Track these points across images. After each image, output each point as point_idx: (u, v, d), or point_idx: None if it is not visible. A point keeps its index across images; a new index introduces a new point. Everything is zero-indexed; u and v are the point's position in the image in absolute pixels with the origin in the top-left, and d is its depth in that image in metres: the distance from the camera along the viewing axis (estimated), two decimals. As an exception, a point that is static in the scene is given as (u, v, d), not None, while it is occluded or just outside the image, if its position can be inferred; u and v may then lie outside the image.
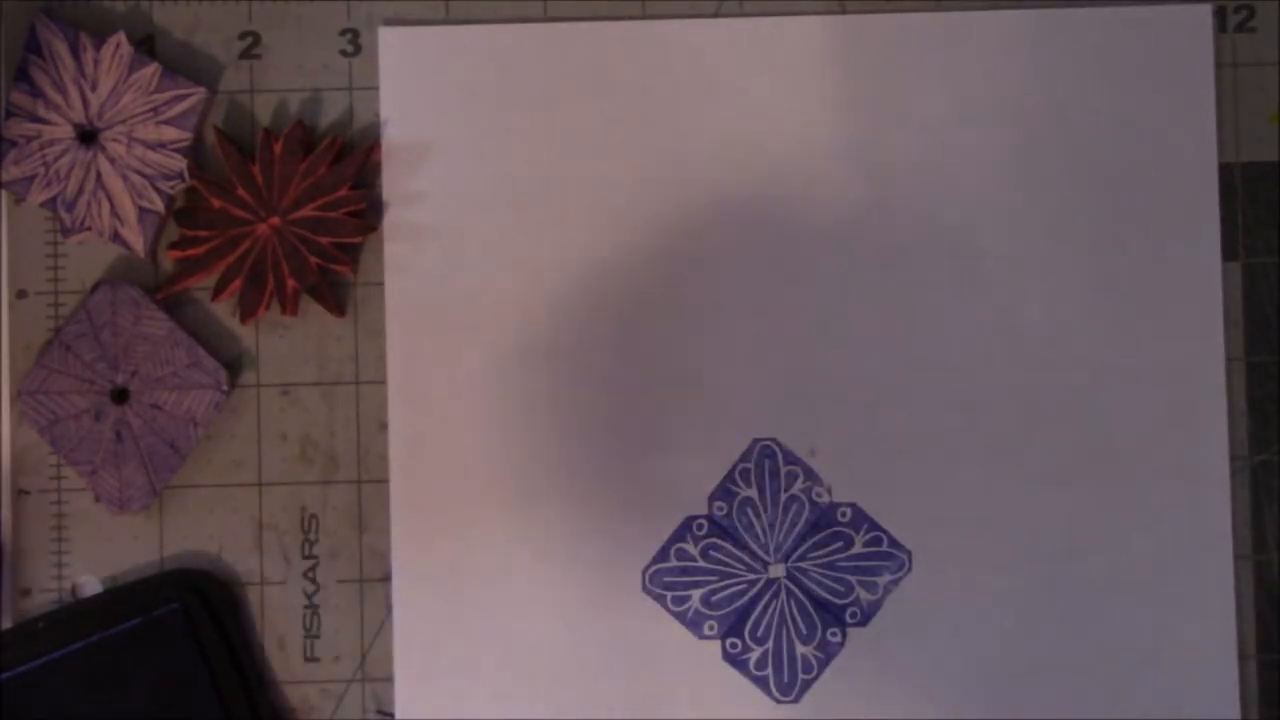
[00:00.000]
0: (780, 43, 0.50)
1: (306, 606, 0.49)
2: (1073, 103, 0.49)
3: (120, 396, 0.49)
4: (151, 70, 0.49)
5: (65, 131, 0.49)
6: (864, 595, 0.49)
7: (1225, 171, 0.50)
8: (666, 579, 0.49)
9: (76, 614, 0.48)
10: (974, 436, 0.49)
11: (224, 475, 0.50)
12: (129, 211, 0.49)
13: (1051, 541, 0.49)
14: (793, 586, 0.49)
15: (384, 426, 0.49)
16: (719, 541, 0.49)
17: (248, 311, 0.49)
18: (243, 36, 0.51)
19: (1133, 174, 0.49)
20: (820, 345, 0.49)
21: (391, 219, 0.50)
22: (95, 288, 0.49)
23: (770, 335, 0.49)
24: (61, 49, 0.49)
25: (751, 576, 0.49)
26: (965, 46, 0.50)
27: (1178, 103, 0.49)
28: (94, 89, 0.49)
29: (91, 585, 0.49)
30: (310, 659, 0.49)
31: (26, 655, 0.47)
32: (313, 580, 0.49)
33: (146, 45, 0.50)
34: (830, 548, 0.49)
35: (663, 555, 0.49)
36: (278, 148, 0.49)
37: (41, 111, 0.49)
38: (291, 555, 0.50)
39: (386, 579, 0.49)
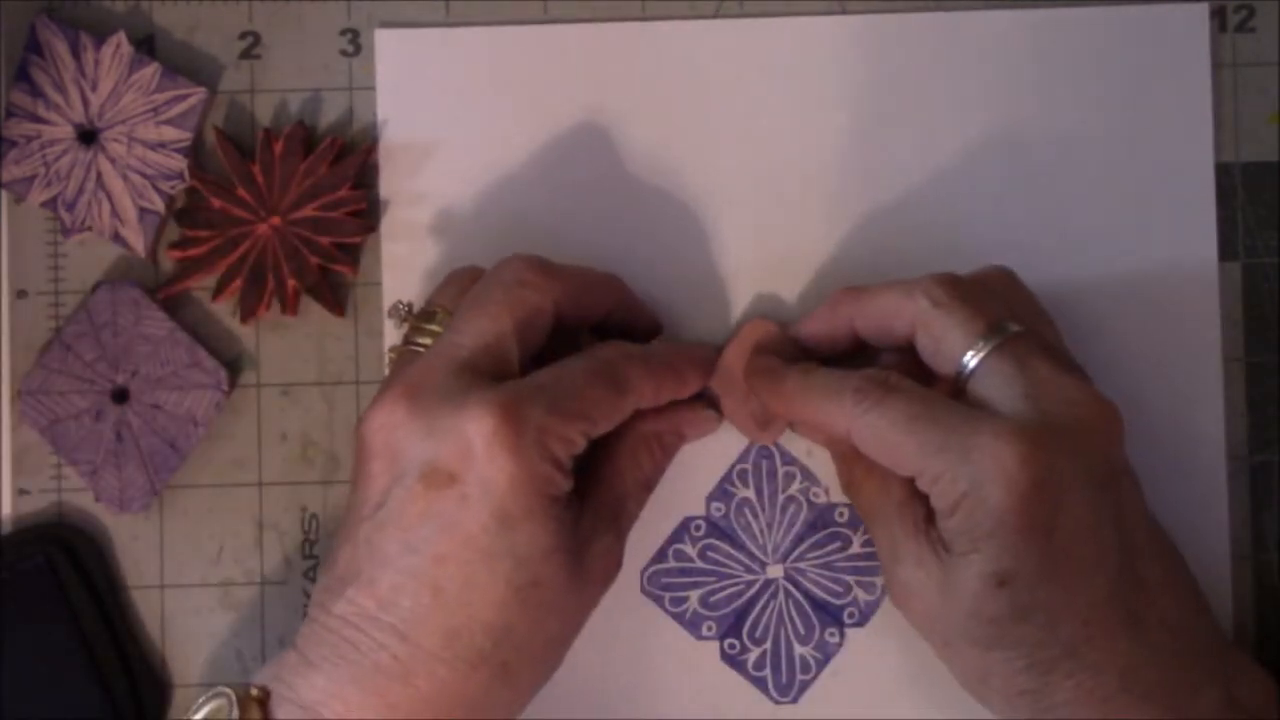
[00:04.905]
0: (780, 43, 0.50)
1: (306, 606, 0.49)
2: (1070, 102, 0.49)
3: (120, 396, 0.49)
4: (151, 70, 0.49)
5: (65, 131, 0.49)
6: (862, 595, 0.49)
7: (1225, 171, 0.50)
8: (664, 580, 0.49)
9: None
10: (973, 437, 0.49)
11: (224, 475, 0.50)
12: (129, 211, 0.49)
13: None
14: (791, 587, 0.49)
15: (384, 426, 0.49)
16: (717, 542, 0.49)
17: (248, 311, 0.49)
18: (243, 36, 0.51)
19: (1129, 173, 0.49)
20: (819, 345, 0.49)
21: (390, 219, 0.50)
22: (95, 288, 0.50)
23: (769, 335, 0.49)
24: (61, 49, 0.49)
25: (749, 577, 0.49)
26: (965, 46, 0.50)
27: (1174, 102, 0.49)
28: (94, 89, 0.49)
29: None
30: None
31: None
32: (313, 580, 0.49)
33: (146, 45, 0.50)
34: (828, 548, 0.49)
35: (661, 556, 0.49)
36: (278, 148, 0.49)
37: (42, 111, 0.49)
38: (291, 555, 0.50)
39: (386, 578, 0.49)
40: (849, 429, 0.43)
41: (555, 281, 0.44)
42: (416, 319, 0.45)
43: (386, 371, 0.48)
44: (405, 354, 0.45)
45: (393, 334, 0.49)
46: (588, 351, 0.44)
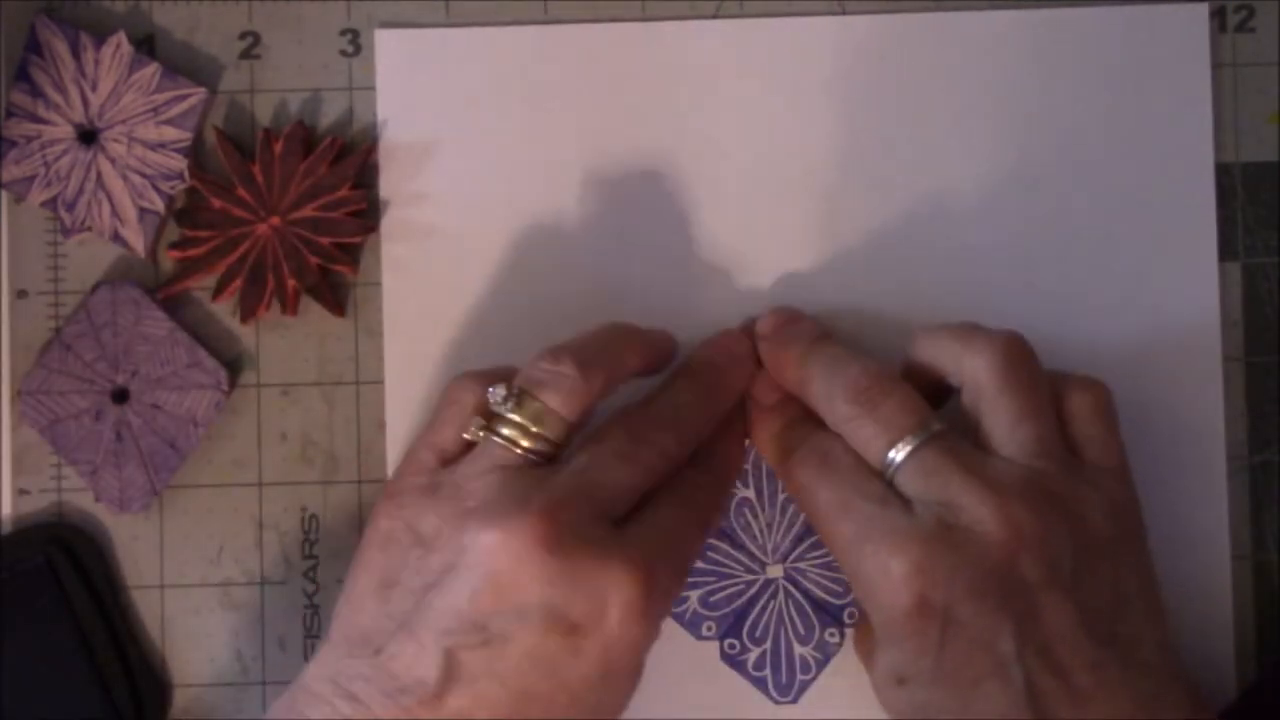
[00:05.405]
0: (780, 43, 0.50)
1: (307, 606, 0.49)
2: (1070, 102, 0.49)
3: (120, 396, 0.49)
4: (151, 70, 0.49)
5: (65, 131, 0.49)
6: (862, 596, 0.49)
7: (1225, 172, 0.50)
8: (665, 579, 0.49)
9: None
10: (973, 437, 0.49)
11: (224, 475, 0.50)
12: (129, 211, 0.49)
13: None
14: (791, 587, 0.49)
15: (384, 426, 0.49)
16: (717, 542, 0.49)
17: (248, 311, 0.49)
18: (243, 36, 0.51)
19: (1129, 173, 0.49)
20: (819, 345, 0.49)
21: (390, 219, 0.50)
22: (95, 288, 0.50)
23: (769, 335, 0.49)
24: (61, 49, 0.49)
25: (749, 577, 0.49)
26: (965, 46, 0.50)
27: (1174, 102, 0.49)
28: (94, 89, 0.49)
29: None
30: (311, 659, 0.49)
31: None
32: (313, 580, 0.49)
33: (146, 45, 0.50)
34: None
35: (661, 556, 0.49)
36: (278, 148, 0.49)
37: (42, 111, 0.49)
38: (291, 555, 0.50)
39: (386, 579, 0.49)
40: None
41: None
42: (517, 405, 0.43)
43: (471, 436, 0.44)
44: (510, 456, 0.43)
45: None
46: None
